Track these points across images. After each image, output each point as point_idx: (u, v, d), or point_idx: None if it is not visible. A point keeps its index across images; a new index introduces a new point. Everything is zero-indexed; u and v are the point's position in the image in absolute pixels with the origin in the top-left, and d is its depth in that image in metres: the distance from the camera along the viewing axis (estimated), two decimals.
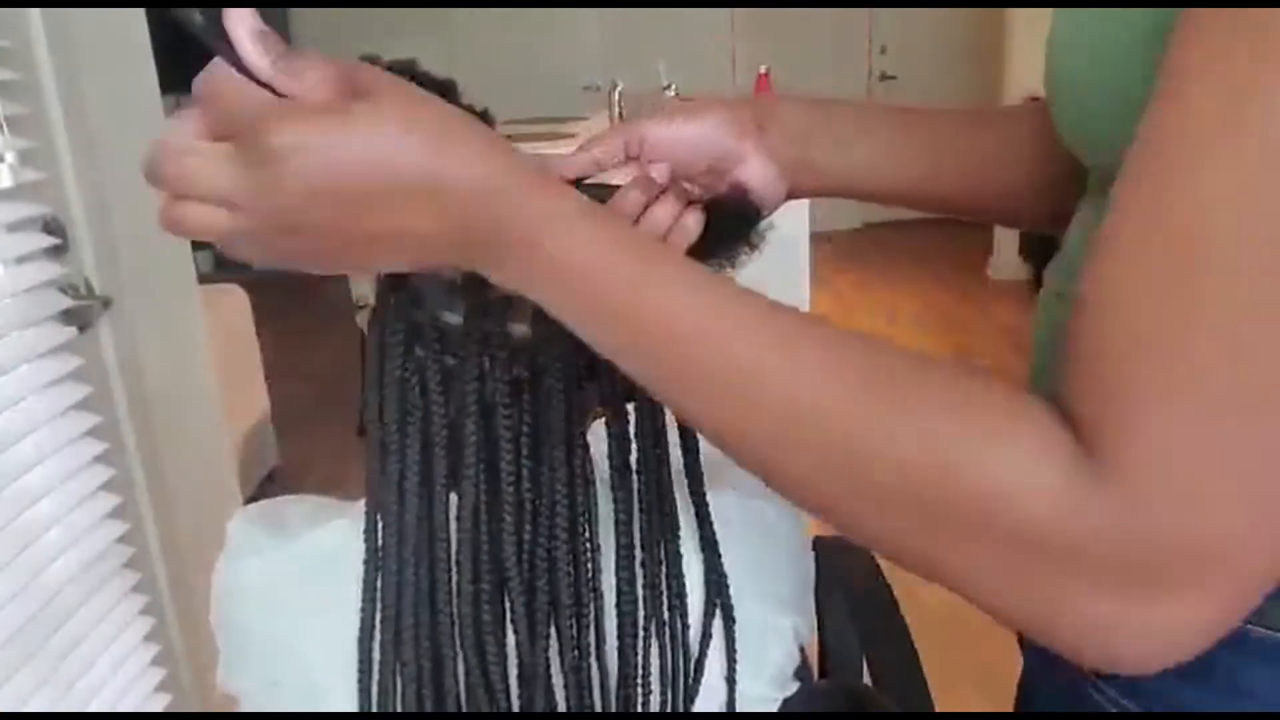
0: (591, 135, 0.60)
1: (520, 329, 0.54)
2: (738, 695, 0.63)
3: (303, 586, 0.61)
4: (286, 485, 2.86)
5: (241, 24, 0.40)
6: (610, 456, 0.57)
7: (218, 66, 0.39)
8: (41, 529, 1.12)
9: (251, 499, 0.70)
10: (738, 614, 0.62)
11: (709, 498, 0.62)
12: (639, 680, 0.58)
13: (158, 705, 1.32)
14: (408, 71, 0.56)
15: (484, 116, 0.59)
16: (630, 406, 0.58)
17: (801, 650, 0.69)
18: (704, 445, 0.60)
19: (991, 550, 0.36)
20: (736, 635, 0.62)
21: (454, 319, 0.54)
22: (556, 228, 0.41)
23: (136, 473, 1.32)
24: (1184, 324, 0.32)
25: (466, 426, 0.54)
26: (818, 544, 0.70)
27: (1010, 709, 0.65)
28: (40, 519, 1.12)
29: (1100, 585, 0.34)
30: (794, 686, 0.67)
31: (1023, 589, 0.36)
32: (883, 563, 1.01)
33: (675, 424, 0.60)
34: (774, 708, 0.65)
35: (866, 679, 0.90)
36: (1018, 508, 0.34)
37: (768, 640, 0.65)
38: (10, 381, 1.09)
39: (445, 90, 0.57)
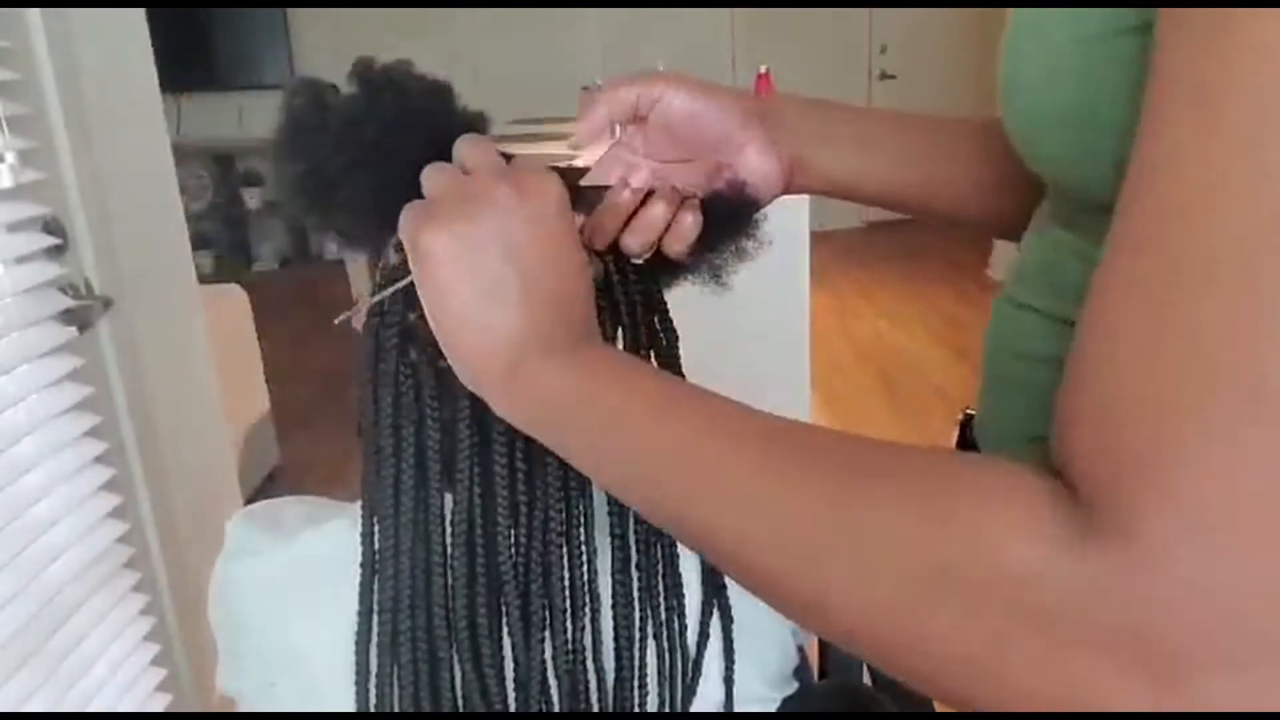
0: (610, 82, 0.59)
1: None
2: (738, 695, 0.63)
3: (300, 587, 0.61)
4: (286, 485, 2.86)
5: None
6: None
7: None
8: (41, 529, 1.12)
9: (251, 499, 0.70)
10: (737, 614, 0.62)
11: None
12: (636, 682, 0.58)
13: (158, 705, 1.32)
14: (403, 73, 0.56)
15: (480, 119, 0.59)
16: None
17: (801, 650, 0.69)
18: None
19: (989, 647, 0.32)
20: (736, 635, 0.62)
21: None
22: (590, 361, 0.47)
23: (136, 473, 1.32)
24: (1189, 378, 0.29)
25: (460, 429, 0.54)
26: None
27: None
28: (40, 519, 1.12)
29: (1122, 660, 0.30)
30: (794, 686, 0.67)
31: (1048, 674, 0.31)
32: None
33: None
34: (773, 708, 0.65)
35: (866, 679, 0.90)
36: (1011, 592, 0.31)
37: (768, 640, 0.65)
38: (10, 381, 1.09)
39: (441, 93, 0.57)
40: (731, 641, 0.61)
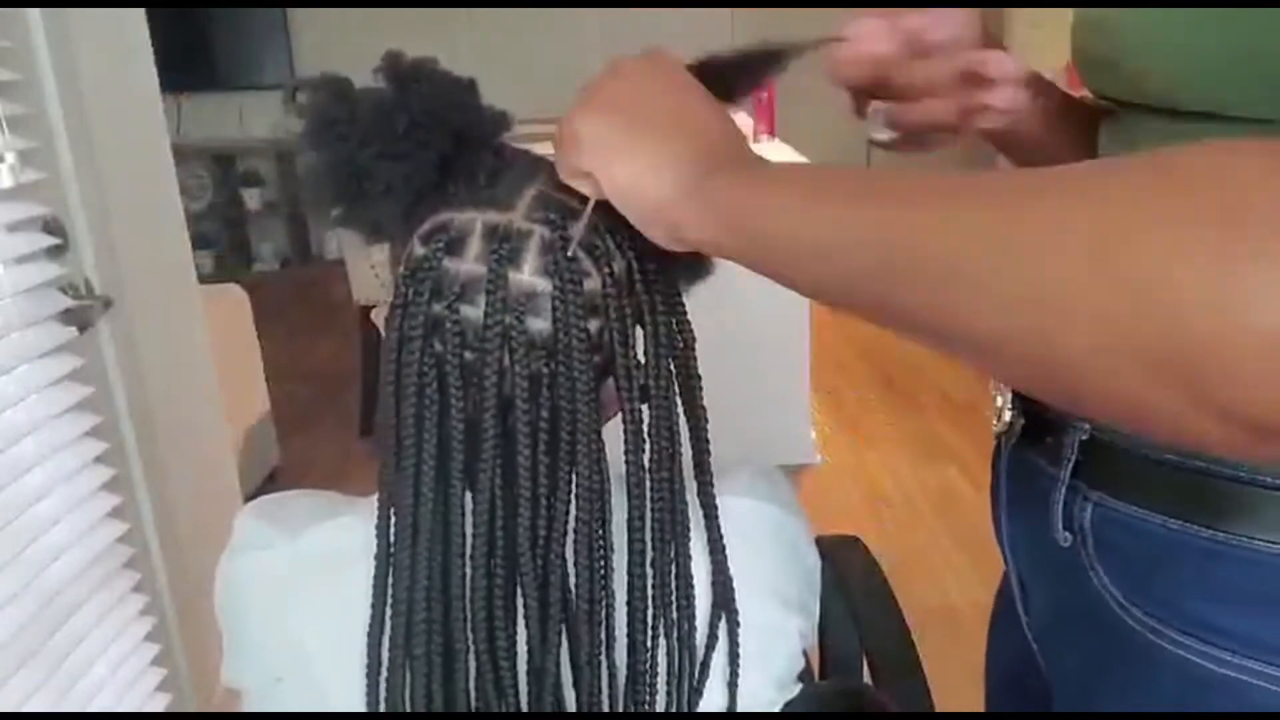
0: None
1: (539, 324, 0.54)
2: (747, 699, 0.63)
3: (307, 583, 0.61)
4: (286, 485, 2.86)
5: None
6: (626, 454, 0.57)
7: None
8: (41, 529, 1.12)
9: (251, 499, 0.70)
10: (745, 615, 0.62)
11: (731, 501, 0.62)
12: (647, 679, 0.58)
13: (158, 705, 1.32)
14: (430, 68, 0.57)
15: (504, 116, 0.59)
16: (644, 408, 0.58)
17: (803, 652, 0.69)
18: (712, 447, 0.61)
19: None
20: (744, 637, 0.62)
21: (474, 312, 0.54)
22: (768, 162, 0.49)
23: (136, 473, 1.32)
24: None
25: (485, 422, 0.54)
26: (817, 544, 0.70)
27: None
28: (40, 519, 1.12)
29: None
30: (797, 689, 0.67)
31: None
32: (882, 562, 1.01)
33: (687, 423, 0.60)
34: (776, 709, 0.65)
35: (866, 679, 0.90)
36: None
37: (775, 643, 0.65)
38: (10, 381, 1.09)
39: (465, 89, 0.57)
40: (737, 646, 0.61)
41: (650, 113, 0.50)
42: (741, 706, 0.63)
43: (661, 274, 0.58)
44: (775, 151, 2.79)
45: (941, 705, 0.87)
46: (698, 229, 0.47)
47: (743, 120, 3.71)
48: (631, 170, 0.49)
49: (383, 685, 0.57)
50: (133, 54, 1.41)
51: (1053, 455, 0.57)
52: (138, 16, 1.40)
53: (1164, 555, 0.50)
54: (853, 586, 0.95)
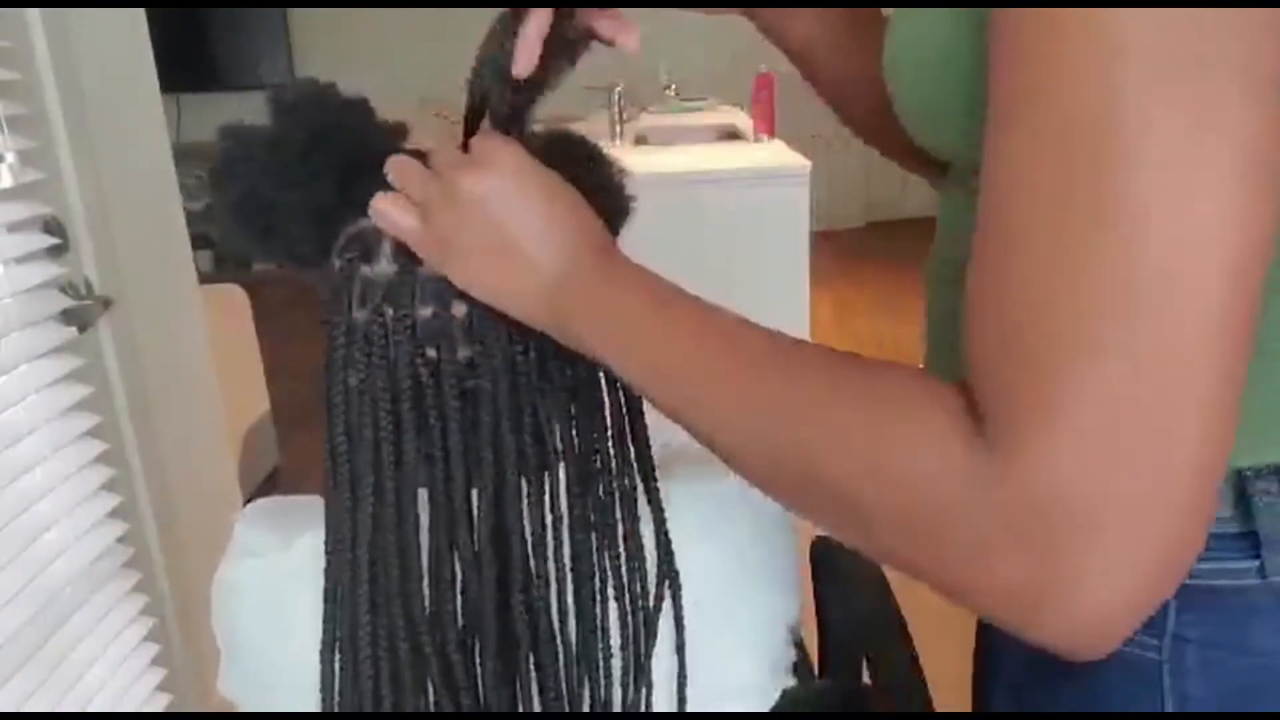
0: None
1: (462, 309, 0.56)
2: (739, 685, 0.63)
3: (300, 590, 0.61)
4: (286, 485, 2.86)
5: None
6: (569, 415, 0.59)
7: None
8: (41, 529, 1.12)
9: (251, 499, 0.70)
10: (738, 601, 0.63)
11: (707, 485, 0.63)
12: (599, 642, 0.59)
13: (158, 705, 1.32)
14: (315, 92, 0.60)
15: (400, 128, 0.62)
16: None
17: (803, 649, 0.69)
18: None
19: (916, 531, 0.39)
20: (735, 620, 0.63)
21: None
22: (613, 287, 0.52)
23: (136, 473, 1.32)
24: (1043, 298, 0.36)
25: (409, 399, 0.56)
26: (818, 544, 0.70)
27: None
28: (40, 519, 1.12)
29: (1010, 547, 0.36)
30: (791, 680, 0.67)
31: (948, 563, 0.39)
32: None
33: (611, 385, 0.61)
34: (773, 698, 0.65)
35: (866, 679, 0.90)
36: (928, 488, 0.38)
37: (770, 626, 0.65)
38: (10, 381, 1.09)
39: (357, 107, 0.60)
40: (681, 609, 0.61)
41: (494, 231, 0.53)
42: (736, 691, 0.64)
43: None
44: (775, 152, 2.79)
45: (941, 705, 0.87)
46: (571, 344, 0.53)
47: (743, 121, 3.71)
48: (493, 296, 0.54)
49: (338, 650, 0.58)
50: (133, 54, 1.41)
51: None
52: (138, 16, 1.40)
53: None
54: (853, 586, 0.95)
